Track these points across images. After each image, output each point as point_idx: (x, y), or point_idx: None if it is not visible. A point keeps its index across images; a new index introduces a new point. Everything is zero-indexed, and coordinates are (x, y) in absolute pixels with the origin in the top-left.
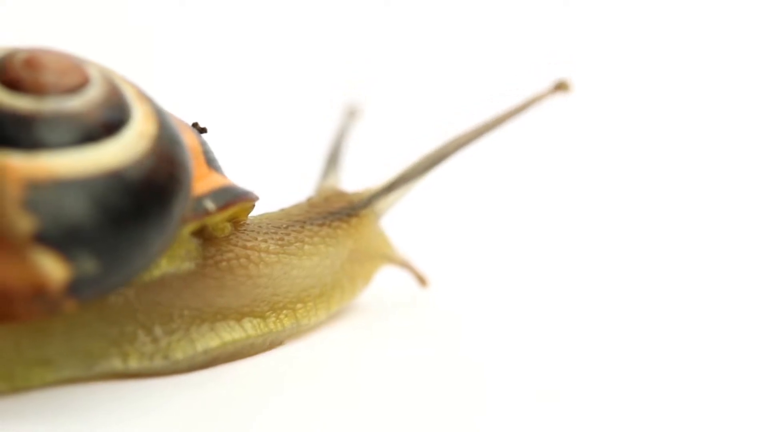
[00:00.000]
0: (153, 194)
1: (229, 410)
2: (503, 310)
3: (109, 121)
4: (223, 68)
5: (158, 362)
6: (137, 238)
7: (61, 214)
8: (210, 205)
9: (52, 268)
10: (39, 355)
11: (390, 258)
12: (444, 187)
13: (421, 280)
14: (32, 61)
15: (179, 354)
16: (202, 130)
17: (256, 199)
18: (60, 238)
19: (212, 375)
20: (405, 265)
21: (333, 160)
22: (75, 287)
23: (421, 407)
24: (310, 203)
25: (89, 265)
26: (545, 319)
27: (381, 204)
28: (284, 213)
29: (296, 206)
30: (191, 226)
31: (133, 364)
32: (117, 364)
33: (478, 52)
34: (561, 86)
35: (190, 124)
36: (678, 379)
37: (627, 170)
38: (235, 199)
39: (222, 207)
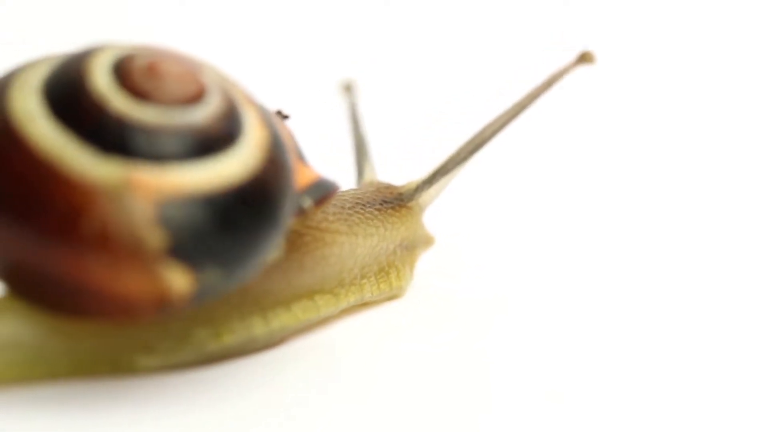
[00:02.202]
0: (268, 202)
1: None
2: (528, 303)
3: (227, 133)
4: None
5: (244, 341)
6: (255, 246)
7: (190, 229)
8: (308, 202)
9: (180, 281)
10: (141, 341)
11: (429, 242)
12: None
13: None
14: (154, 68)
15: (259, 331)
16: (286, 117)
17: (340, 188)
18: (189, 252)
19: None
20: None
21: (360, 145)
22: (197, 296)
23: (427, 402)
24: (364, 190)
25: (213, 275)
26: (567, 314)
27: (425, 196)
28: (344, 194)
29: (352, 190)
30: (292, 224)
31: (226, 341)
32: (211, 344)
33: (490, 37)
34: (585, 58)
35: (274, 112)
36: (685, 384)
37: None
38: (328, 193)
39: (318, 203)
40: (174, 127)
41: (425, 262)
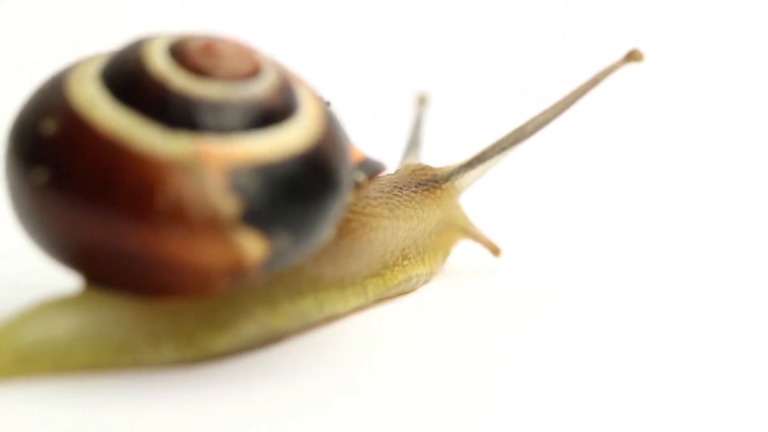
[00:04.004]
0: (331, 169)
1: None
2: (549, 304)
3: (286, 105)
4: None
5: (297, 323)
6: (322, 211)
7: (261, 195)
8: (361, 176)
9: (253, 247)
10: (215, 320)
11: (466, 231)
12: (520, 167)
13: (495, 250)
14: (210, 48)
15: (313, 315)
16: (327, 104)
17: (387, 167)
18: (261, 218)
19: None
20: (479, 237)
21: (413, 145)
22: (269, 263)
23: (429, 399)
24: (400, 173)
25: (285, 242)
26: (590, 315)
27: (461, 180)
28: (381, 179)
29: (387, 174)
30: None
31: (281, 324)
32: (275, 323)
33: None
34: (633, 56)
35: None
36: (693, 389)
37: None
38: (378, 168)
39: (371, 177)
40: (236, 100)
41: (454, 257)
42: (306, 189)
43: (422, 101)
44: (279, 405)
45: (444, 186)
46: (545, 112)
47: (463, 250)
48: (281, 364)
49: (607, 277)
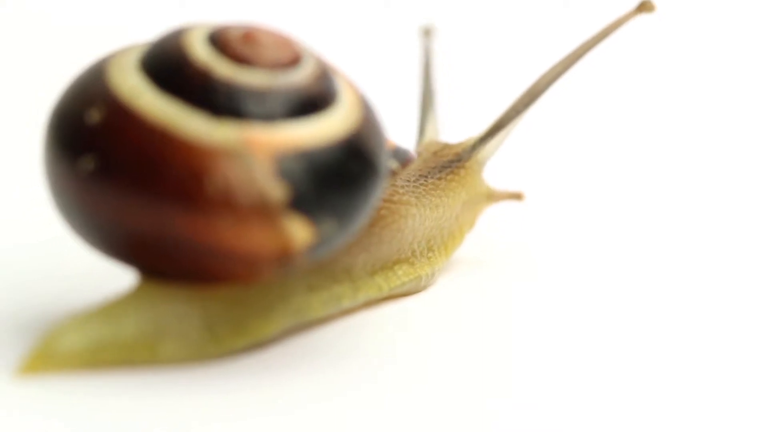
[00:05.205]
0: (372, 155)
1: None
2: (559, 303)
3: (326, 93)
4: None
5: (332, 310)
6: (364, 197)
7: (308, 181)
8: (394, 164)
9: (301, 233)
10: (261, 308)
11: (490, 197)
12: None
13: (518, 197)
14: (251, 36)
15: (346, 303)
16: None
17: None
18: (308, 204)
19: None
20: (502, 196)
21: (427, 99)
22: (315, 249)
23: (432, 396)
24: (423, 158)
25: (330, 227)
26: (614, 302)
27: (483, 152)
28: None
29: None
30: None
31: (317, 312)
32: (312, 310)
33: None
34: (644, 6)
35: None
36: (695, 390)
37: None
38: (408, 157)
39: (403, 165)
40: (279, 88)
41: (465, 252)
42: (349, 175)
43: (427, 33)
44: (281, 401)
45: (468, 164)
46: (556, 67)
47: (463, 251)
48: (281, 363)
49: (614, 264)
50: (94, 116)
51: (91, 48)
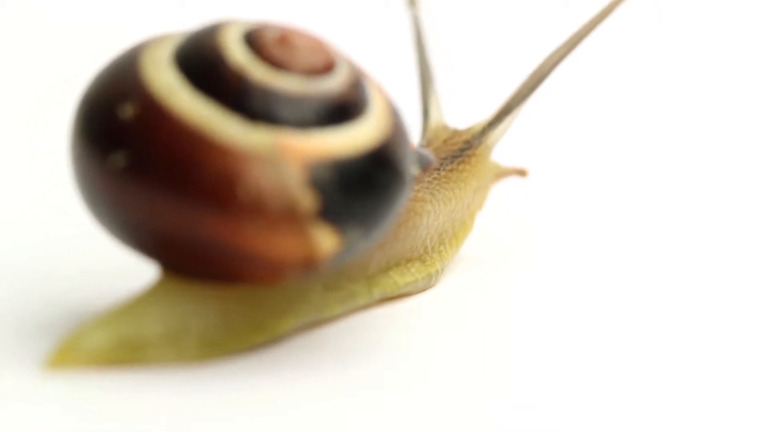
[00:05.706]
0: (399, 164)
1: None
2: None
3: (359, 101)
4: None
5: (348, 307)
6: (390, 205)
7: (338, 191)
8: (416, 170)
9: (327, 241)
10: (279, 306)
11: (498, 175)
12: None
13: (522, 173)
14: (287, 39)
15: (361, 301)
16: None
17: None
18: (336, 213)
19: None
20: (508, 172)
21: (425, 75)
22: (339, 256)
23: (433, 395)
24: (434, 148)
25: (356, 235)
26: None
27: (492, 137)
28: None
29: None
30: None
31: (335, 311)
32: (328, 308)
33: None
34: None
35: None
36: (698, 390)
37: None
38: (428, 162)
39: (424, 170)
40: (314, 95)
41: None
42: (378, 185)
43: (413, 2)
44: (281, 401)
45: (478, 151)
46: (560, 49)
47: (467, 248)
48: (281, 363)
49: (619, 260)
50: (128, 111)
51: (91, 48)
